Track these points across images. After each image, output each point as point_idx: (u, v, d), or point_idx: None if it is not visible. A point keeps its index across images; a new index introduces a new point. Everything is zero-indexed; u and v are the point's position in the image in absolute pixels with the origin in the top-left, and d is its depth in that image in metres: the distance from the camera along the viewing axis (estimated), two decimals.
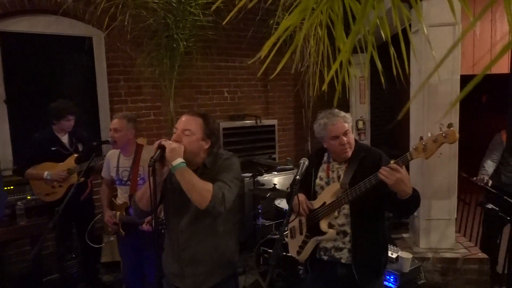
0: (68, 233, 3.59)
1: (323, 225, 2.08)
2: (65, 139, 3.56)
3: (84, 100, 4.46)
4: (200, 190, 1.70)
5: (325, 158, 2.24)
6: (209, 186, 1.73)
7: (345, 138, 2.07)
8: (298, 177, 1.83)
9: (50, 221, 2.09)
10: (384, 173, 1.78)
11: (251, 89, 5.51)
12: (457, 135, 1.69)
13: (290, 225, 2.30)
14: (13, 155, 4.00)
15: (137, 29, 4.00)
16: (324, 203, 2.10)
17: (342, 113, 2.10)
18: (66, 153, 3.49)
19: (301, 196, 2.14)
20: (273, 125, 5.18)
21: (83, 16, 4.13)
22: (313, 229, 2.13)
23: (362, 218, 2.05)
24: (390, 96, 6.08)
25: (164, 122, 4.66)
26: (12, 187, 3.55)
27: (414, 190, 1.83)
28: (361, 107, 5.86)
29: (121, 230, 2.80)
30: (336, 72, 1.70)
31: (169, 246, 1.90)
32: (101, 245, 3.17)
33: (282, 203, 3.78)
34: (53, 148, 3.45)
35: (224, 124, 4.74)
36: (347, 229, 2.08)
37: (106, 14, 3.79)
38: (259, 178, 4.34)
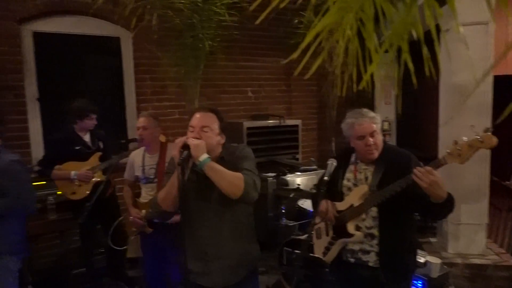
0: (93, 229, 3.68)
1: (350, 227, 2.05)
2: (87, 138, 3.61)
3: (111, 99, 4.56)
4: (232, 179, 1.76)
5: (352, 158, 2.20)
6: (239, 174, 1.78)
7: (371, 139, 2.02)
8: (326, 178, 1.80)
9: (80, 216, 2.15)
10: (418, 174, 1.72)
11: (274, 88, 5.51)
12: (495, 140, 1.62)
13: (315, 226, 2.28)
14: (44, 151, 4.14)
15: (163, 29, 4.05)
16: (352, 205, 2.07)
17: (371, 114, 2.06)
18: (89, 152, 3.54)
19: (325, 202, 2.11)
20: (297, 125, 5.15)
21: (112, 16, 4.22)
22: (340, 231, 2.10)
23: (390, 221, 2.01)
24: (416, 97, 5.94)
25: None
26: (44, 182, 3.66)
27: (449, 194, 1.78)
28: (386, 108, 5.76)
29: (147, 227, 2.84)
30: (361, 72, 1.69)
31: (192, 244, 1.89)
32: (124, 247, 3.22)
33: (305, 204, 3.76)
34: (76, 148, 3.50)
35: (247, 124, 4.74)
36: (375, 232, 2.03)
37: (134, 14, 3.86)
38: (282, 178, 4.32)
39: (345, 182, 2.17)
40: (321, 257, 2.15)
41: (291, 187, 4.24)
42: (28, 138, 4.04)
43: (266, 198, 4.29)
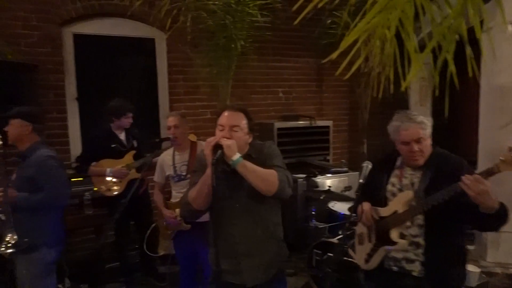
0: (127, 225, 3.78)
1: (394, 234, 1.97)
2: (122, 136, 3.73)
3: (145, 99, 4.68)
4: (266, 177, 1.78)
5: (398, 162, 2.12)
6: (272, 171, 1.80)
7: (416, 146, 1.93)
8: (361, 180, 1.75)
9: (116, 212, 2.22)
10: (466, 182, 1.63)
11: (305, 89, 5.48)
12: None
13: (358, 231, 2.22)
14: (82, 148, 4.31)
15: (196, 30, 4.12)
16: (396, 211, 1.98)
17: (420, 118, 1.96)
18: (124, 150, 3.66)
19: (366, 205, 2.06)
20: (328, 126, 5.09)
21: (147, 18, 4.32)
22: (383, 238, 2.01)
23: (437, 229, 1.91)
24: (454, 98, 5.73)
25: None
26: (81, 178, 3.80)
27: (502, 205, 1.68)
28: (421, 109, 5.58)
29: (184, 224, 2.88)
30: (398, 73, 1.64)
31: (222, 242, 1.90)
32: (158, 254, 3.30)
33: (336, 206, 3.71)
34: (112, 145, 3.63)
35: (278, 125, 4.74)
36: (420, 240, 1.94)
37: (169, 16, 3.95)
38: (313, 179, 4.29)
39: (389, 187, 2.09)
40: (362, 264, 2.08)
41: (321, 188, 4.20)
42: (67, 135, 4.21)
43: (295, 199, 4.27)
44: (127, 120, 3.69)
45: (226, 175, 1.90)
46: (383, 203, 2.07)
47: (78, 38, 4.29)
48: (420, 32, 1.44)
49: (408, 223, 1.96)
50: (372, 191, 2.13)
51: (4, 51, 3.56)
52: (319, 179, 4.33)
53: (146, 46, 4.65)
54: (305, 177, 4.31)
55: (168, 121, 2.92)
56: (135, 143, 3.75)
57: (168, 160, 2.98)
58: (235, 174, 1.85)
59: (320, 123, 5.07)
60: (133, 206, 3.39)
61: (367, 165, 1.92)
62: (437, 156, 1.99)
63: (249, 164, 1.78)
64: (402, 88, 1.27)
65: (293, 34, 5.12)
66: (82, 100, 4.34)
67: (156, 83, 4.71)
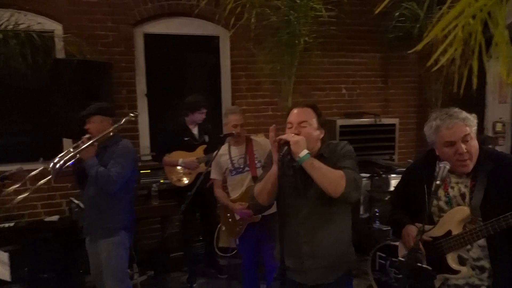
0: (193, 217, 3.92)
1: (452, 260, 1.70)
2: (195, 130, 3.89)
3: (208, 95, 4.81)
4: (333, 177, 1.72)
5: (437, 169, 1.78)
6: (340, 173, 1.73)
7: (463, 146, 1.65)
8: (438, 181, 1.57)
9: (182, 204, 2.30)
10: None
11: (370, 85, 5.28)
12: None
13: (401, 253, 1.96)
14: (150, 143, 4.54)
15: (260, 27, 4.13)
16: (449, 232, 1.71)
17: (464, 114, 1.69)
18: (196, 144, 3.83)
19: (411, 230, 1.82)
20: (394, 124, 4.86)
21: (213, 16, 4.42)
22: (437, 263, 1.71)
23: (505, 251, 1.64)
24: None
25: (281, 118, 4.74)
26: (149, 171, 4.02)
27: None
28: (500, 107, 5.12)
29: (254, 215, 2.88)
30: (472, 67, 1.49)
31: (288, 240, 1.88)
32: (228, 254, 3.39)
33: None
34: (185, 139, 3.81)
35: (340, 122, 4.62)
36: (485, 264, 1.67)
37: (233, 13, 4.01)
38: (377, 179, 4.12)
39: (433, 200, 1.80)
40: None
41: (386, 189, 4.02)
42: (137, 130, 4.46)
43: (358, 200, 4.13)
44: (200, 115, 3.84)
45: (295, 172, 1.86)
46: (429, 220, 1.75)
47: (148, 37, 4.51)
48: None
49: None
50: (411, 204, 1.87)
51: (84, 51, 3.85)
52: (384, 179, 4.14)
53: (210, 44, 4.77)
54: (369, 176, 4.16)
55: (232, 119, 2.95)
56: (206, 138, 3.89)
57: (224, 157, 3.02)
58: (303, 172, 1.82)
59: (386, 120, 4.85)
60: (199, 199, 3.50)
61: (444, 166, 1.64)
62: (487, 158, 1.69)
63: (316, 162, 1.74)
64: (509, 81, 1.14)
65: (359, 28, 4.96)
66: (150, 96, 4.56)
67: (219, 80, 4.82)
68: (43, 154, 3.63)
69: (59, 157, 2.49)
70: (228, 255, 3.72)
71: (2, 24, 3.52)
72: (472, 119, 1.70)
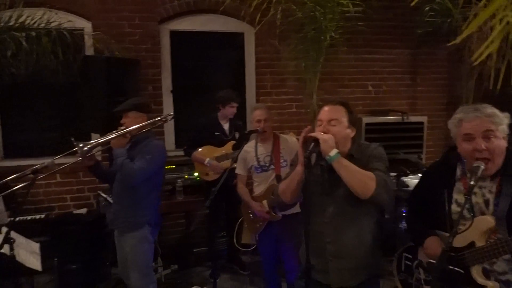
0: (219, 213, 3.96)
1: (477, 274, 1.60)
2: (226, 126, 3.96)
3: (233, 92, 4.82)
4: (362, 178, 1.67)
5: (458, 171, 1.72)
6: (370, 174, 1.69)
7: (483, 143, 1.54)
8: (472, 182, 1.46)
9: (207, 200, 2.31)
10: None
11: (397, 82, 5.16)
12: None
13: (420, 256, 1.91)
14: (175, 139, 4.60)
15: (285, 23, 4.10)
16: (472, 243, 1.61)
17: (491, 110, 1.58)
18: (226, 139, 3.89)
19: (433, 242, 1.74)
20: (422, 122, 4.73)
21: (238, 13, 4.42)
22: (461, 277, 1.61)
23: None
24: None
25: (305, 115, 4.70)
26: (173, 166, 4.08)
27: None
28: None
29: (273, 214, 2.89)
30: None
31: (312, 239, 1.82)
32: (249, 249, 3.41)
33: None
34: (216, 133, 3.89)
35: (366, 120, 4.54)
36: (511, 277, 1.57)
37: (259, 10, 4.00)
38: (404, 178, 4.02)
39: (454, 207, 1.69)
40: None
41: (412, 188, 3.92)
42: (162, 126, 4.52)
43: (388, 202, 4.04)
44: (231, 110, 3.90)
45: (322, 171, 1.84)
46: (448, 227, 1.66)
47: (174, 35, 4.56)
48: None
49: None
50: (429, 209, 1.78)
51: (112, 48, 3.93)
52: (411, 178, 4.04)
53: (235, 41, 4.78)
54: (395, 175, 4.06)
55: (256, 114, 2.95)
56: (236, 135, 3.95)
57: (251, 151, 3.02)
58: (331, 171, 1.79)
59: (413, 118, 4.74)
60: (225, 195, 3.53)
61: (480, 166, 1.51)
62: None
63: (346, 162, 1.70)
64: None
65: (386, 23, 4.85)
66: (176, 92, 4.61)
67: (244, 77, 4.82)
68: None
69: (93, 142, 2.55)
70: (248, 250, 3.72)
71: (35, 22, 3.64)
72: (502, 117, 1.59)
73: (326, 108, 1.86)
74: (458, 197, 1.70)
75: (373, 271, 1.91)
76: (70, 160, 2.56)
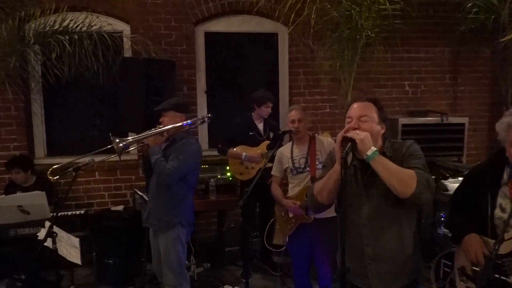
0: (253, 212, 3.97)
1: None
2: (260, 126, 3.97)
3: None
4: (403, 177, 1.61)
5: (505, 175, 1.67)
6: (411, 172, 1.62)
7: None
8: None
9: (240, 200, 2.32)
10: None
11: (437, 82, 4.97)
12: None
13: (459, 264, 1.81)
14: (208, 138, 4.66)
15: (320, 23, 4.06)
16: None
17: None
18: (260, 139, 3.89)
19: (475, 240, 1.66)
20: (463, 124, 4.53)
21: (272, 13, 4.41)
22: (505, 285, 1.55)
23: None
24: None
25: (339, 116, 4.62)
26: (207, 166, 4.12)
27: None
28: None
29: (306, 216, 2.86)
30: None
31: (350, 242, 1.80)
32: (281, 247, 3.38)
33: None
34: (250, 133, 3.90)
35: (403, 121, 4.40)
36: None
37: (293, 10, 3.98)
38: (443, 182, 3.87)
39: (497, 212, 1.64)
40: None
41: (452, 192, 3.75)
42: (196, 126, 4.58)
43: (430, 201, 3.91)
44: (266, 110, 3.90)
45: (356, 170, 1.80)
46: (490, 232, 1.63)
47: (209, 36, 4.62)
48: None
49: None
50: (472, 210, 1.70)
51: (149, 50, 4.04)
52: (450, 182, 3.88)
53: (269, 41, 4.78)
54: (434, 178, 3.91)
55: (291, 114, 2.93)
56: (271, 135, 3.95)
57: (286, 153, 2.99)
58: (366, 171, 1.75)
59: (453, 119, 4.54)
60: (260, 195, 3.52)
61: None
62: None
63: (384, 160, 1.64)
64: None
65: (426, 21, 4.69)
66: (210, 93, 4.67)
67: (277, 77, 4.81)
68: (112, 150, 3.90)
69: (130, 138, 2.63)
70: (278, 250, 3.69)
71: (77, 26, 3.80)
72: None
73: (355, 105, 1.81)
74: (503, 201, 1.64)
75: (413, 275, 1.84)
76: (110, 156, 2.65)
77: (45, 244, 2.37)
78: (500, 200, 1.66)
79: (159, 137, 2.68)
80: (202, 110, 4.62)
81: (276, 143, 2.99)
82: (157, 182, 2.75)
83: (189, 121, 2.76)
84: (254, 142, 3.86)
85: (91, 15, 3.92)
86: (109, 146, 2.62)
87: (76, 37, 3.74)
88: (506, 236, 1.39)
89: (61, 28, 3.75)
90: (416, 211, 1.83)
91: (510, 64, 4.19)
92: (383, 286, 1.77)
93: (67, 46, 3.65)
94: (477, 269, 1.68)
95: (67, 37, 3.69)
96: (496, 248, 1.29)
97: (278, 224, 3.15)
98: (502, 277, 1.44)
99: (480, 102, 5.06)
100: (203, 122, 2.81)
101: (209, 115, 2.85)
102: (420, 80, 4.90)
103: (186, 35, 4.42)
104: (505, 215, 1.62)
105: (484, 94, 5.06)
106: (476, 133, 4.96)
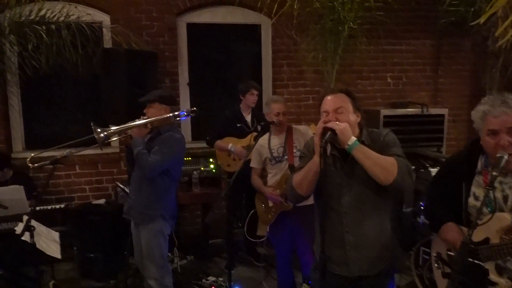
0: (238, 204, 3.96)
1: (490, 271, 1.58)
2: (248, 118, 3.97)
3: None
4: (385, 164, 1.65)
5: (479, 165, 1.69)
6: (391, 159, 1.66)
7: (507, 139, 1.51)
8: (495, 173, 1.43)
9: (223, 191, 2.31)
10: None
11: (418, 74, 5.04)
12: None
13: (434, 250, 1.85)
14: (191, 131, 4.63)
15: (303, 14, 4.05)
16: (487, 239, 1.59)
17: None
18: (248, 131, 3.89)
19: (452, 229, 1.69)
20: (442, 115, 4.61)
21: (255, 4, 4.37)
22: (479, 269, 1.59)
23: None
24: None
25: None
26: (190, 159, 4.10)
27: None
28: None
29: (285, 203, 2.88)
30: None
31: (330, 230, 1.81)
32: (262, 238, 3.39)
33: None
34: (238, 125, 3.90)
35: (385, 112, 4.44)
36: None
37: (275, 1, 3.95)
38: (423, 171, 3.94)
39: (471, 200, 1.66)
40: None
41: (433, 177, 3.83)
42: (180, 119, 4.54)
43: (402, 194, 3.97)
44: (252, 97, 3.90)
45: (335, 160, 1.82)
46: (464, 221, 1.67)
47: (191, 27, 4.57)
48: None
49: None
50: (447, 199, 1.73)
51: (130, 41, 3.96)
52: (430, 171, 3.95)
53: (252, 33, 4.75)
54: (414, 169, 3.98)
55: (275, 107, 2.93)
56: (259, 127, 3.92)
57: (264, 143, 3.01)
58: (345, 159, 1.77)
59: (434, 111, 4.61)
60: (244, 187, 3.52)
61: (503, 156, 1.47)
62: None
63: (366, 150, 1.67)
64: None
65: (408, 14, 4.73)
66: (193, 85, 4.62)
67: (260, 69, 4.79)
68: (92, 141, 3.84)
69: (112, 128, 2.58)
70: (259, 240, 3.71)
71: (54, 15, 3.70)
72: None
73: (329, 97, 1.82)
74: (476, 190, 1.68)
75: (391, 262, 1.88)
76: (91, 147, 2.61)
77: (23, 238, 2.32)
78: (474, 189, 1.69)
79: (143, 128, 2.64)
80: (185, 102, 4.58)
81: (265, 133, 2.98)
82: (139, 175, 2.72)
83: (175, 113, 2.72)
84: (241, 133, 3.86)
85: (69, 4, 3.82)
86: (89, 136, 2.57)
87: (54, 27, 3.64)
88: (480, 222, 1.42)
89: (37, 18, 3.65)
90: (396, 198, 1.86)
91: (489, 56, 4.26)
92: (361, 271, 1.80)
93: (44, 36, 3.55)
94: (453, 254, 1.72)
95: (44, 27, 3.58)
96: (470, 233, 1.33)
97: (258, 214, 3.17)
98: (476, 261, 1.48)
99: (460, 94, 5.15)
100: (187, 115, 2.77)
101: (195, 108, 2.81)
102: (401, 72, 4.96)
103: (168, 26, 4.35)
104: (479, 203, 1.64)
105: (464, 86, 5.16)
106: (456, 124, 5.05)
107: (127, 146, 3.11)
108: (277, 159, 2.95)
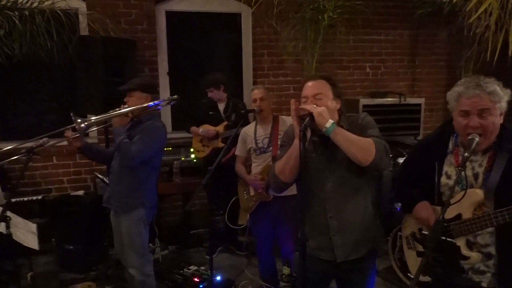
0: (216, 192, 3.97)
1: (462, 246, 1.63)
2: (221, 106, 4.00)
3: (229, 74, 4.76)
4: (363, 145, 1.69)
5: (450, 144, 1.73)
6: (369, 140, 1.71)
7: (477, 120, 1.55)
8: (466, 154, 1.48)
9: (203, 179, 2.30)
10: None
11: (396, 64, 5.12)
12: None
13: (406, 232, 1.90)
14: (172, 121, 4.58)
15: (283, 3, 4.04)
16: (459, 215, 1.63)
17: (493, 87, 1.55)
18: (219, 118, 3.92)
19: (425, 208, 1.74)
20: (419, 104, 4.71)
21: None
22: (452, 246, 1.64)
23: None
24: None
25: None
26: (170, 149, 4.07)
27: None
28: None
29: (265, 194, 2.90)
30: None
31: (313, 217, 1.84)
32: (242, 225, 3.45)
33: None
34: (210, 113, 3.96)
35: (364, 101, 4.51)
36: (492, 250, 1.61)
37: None
38: (400, 160, 4.03)
39: (443, 179, 1.71)
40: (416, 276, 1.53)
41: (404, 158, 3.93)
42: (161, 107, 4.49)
43: (381, 180, 4.06)
44: (212, 94, 3.93)
45: (316, 146, 1.83)
46: (436, 199, 1.72)
47: (170, 15, 4.49)
48: None
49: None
50: (419, 180, 1.78)
51: (108, 29, 3.87)
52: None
53: (233, 22, 4.71)
54: (392, 157, 4.07)
55: (253, 93, 2.95)
56: (233, 116, 3.93)
57: (250, 133, 3.01)
58: (325, 145, 1.79)
59: (411, 100, 4.71)
60: (222, 175, 3.52)
61: (475, 138, 1.53)
62: (510, 137, 1.59)
63: (343, 131, 1.70)
64: None
65: (387, 4, 4.78)
66: (172, 74, 4.57)
67: (241, 58, 4.77)
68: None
69: (93, 118, 2.54)
70: (240, 228, 3.75)
71: (28, 1, 3.57)
72: (502, 94, 1.57)
73: (309, 84, 1.84)
74: (448, 169, 1.72)
75: (373, 244, 1.92)
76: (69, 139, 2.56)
77: None
78: (446, 168, 1.73)
79: (124, 117, 2.60)
80: (164, 92, 4.52)
81: (239, 123, 2.98)
82: (120, 164, 2.68)
83: (156, 101, 2.68)
84: (214, 122, 3.90)
85: None
86: (69, 127, 2.52)
87: (27, 13, 3.51)
88: (452, 201, 1.47)
89: (9, 3, 3.51)
90: (377, 180, 1.91)
91: (464, 46, 4.37)
92: (346, 255, 1.83)
93: (17, 22, 3.43)
94: (426, 233, 1.78)
95: (16, 13, 3.46)
96: (443, 210, 1.38)
97: (240, 201, 3.19)
98: (449, 239, 1.54)
99: (436, 84, 5.26)
100: (168, 103, 2.73)
101: (176, 96, 2.78)
102: (380, 62, 5.02)
103: (147, 14, 4.27)
104: (451, 182, 1.68)
105: (440, 76, 5.27)
106: (432, 113, 5.17)
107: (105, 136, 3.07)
108: (261, 149, 2.95)
